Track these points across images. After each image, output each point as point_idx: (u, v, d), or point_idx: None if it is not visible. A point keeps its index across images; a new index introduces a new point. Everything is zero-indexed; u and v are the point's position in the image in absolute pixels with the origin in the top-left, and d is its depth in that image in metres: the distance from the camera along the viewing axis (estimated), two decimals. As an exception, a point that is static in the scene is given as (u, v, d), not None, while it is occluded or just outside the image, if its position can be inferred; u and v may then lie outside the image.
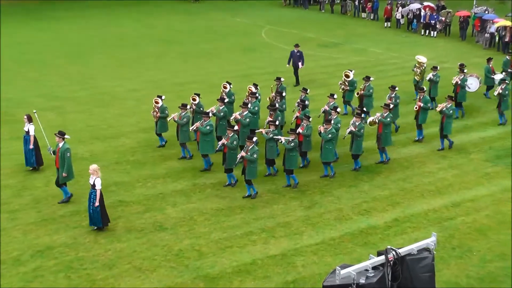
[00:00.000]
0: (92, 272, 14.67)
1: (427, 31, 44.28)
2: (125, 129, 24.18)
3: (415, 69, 27.89)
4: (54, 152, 17.89)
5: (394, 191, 19.14)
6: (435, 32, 43.82)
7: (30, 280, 14.33)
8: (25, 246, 15.72)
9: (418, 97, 22.95)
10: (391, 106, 21.43)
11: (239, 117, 20.60)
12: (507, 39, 37.94)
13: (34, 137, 19.67)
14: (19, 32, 44.44)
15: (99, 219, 16.09)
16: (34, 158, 19.87)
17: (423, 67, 27.54)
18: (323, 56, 37.07)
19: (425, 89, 23.47)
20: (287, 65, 30.80)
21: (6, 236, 16.23)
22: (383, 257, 8.61)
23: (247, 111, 20.81)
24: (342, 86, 25.31)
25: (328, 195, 18.80)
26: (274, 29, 45.82)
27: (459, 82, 25.29)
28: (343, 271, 8.33)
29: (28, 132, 19.68)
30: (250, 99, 22.08)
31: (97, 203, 15.89)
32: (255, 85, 23.19)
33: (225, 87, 23.27)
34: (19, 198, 18.11)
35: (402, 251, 8.75)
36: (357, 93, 24.66)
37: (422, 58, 27.84)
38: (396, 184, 19.65)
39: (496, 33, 39.36)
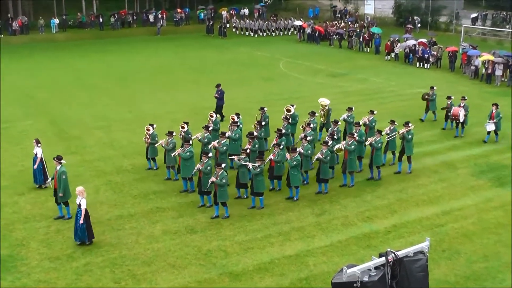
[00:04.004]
0: (133, 268, 14.71)
1: (421, 64, 44.02)
2: (163, 145, 24.13)
3: (320, 111, 24.47)
4: (52, 177, 17.72)
5: (392, 201, 18.98)
6: (428, 65, 43.48)
7: (81, 274, 14.41)
8: (77, 245, 15.78)
9: (354, 131, 21.00)
10: (336, 137, 20.79)
11: (217, 145, 19.82)
12: (489, 71, 37.66)
13: (41, 158, 19.47)
14: (78, 62, 44.88)
15: (85, 235, 15.66)
16: (42, 177, 19.62)
17: (326, 109, 24.45)
18: (331, 85, 36.94)
19: (360, 123, 21.54)
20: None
21: (61, 236, 16.34)
22: (383, 258, 8.54)
23: (225, 140, 20.10)
24: (288, 120, 22.76)
25: (336, 204, 18.68)
26: (290, 61, 45.82)
27: (367, 123, 22.93)
28: (349, 270, 8.28)
29: (36, 154, 19.50)
30: (231, 127, 21.28)
31: (81, 221, 15.45)
32: (237, 115, 22.39)
33: (211, 116, 22.59)
34: (71, 204, 18.10)
35: (400, 253, 8.67)
36: (302, 126, 22.19)
37: (325, 100, 24.80)
38: (394, 194, 19.49)
39: (480, 66, 39.04)
